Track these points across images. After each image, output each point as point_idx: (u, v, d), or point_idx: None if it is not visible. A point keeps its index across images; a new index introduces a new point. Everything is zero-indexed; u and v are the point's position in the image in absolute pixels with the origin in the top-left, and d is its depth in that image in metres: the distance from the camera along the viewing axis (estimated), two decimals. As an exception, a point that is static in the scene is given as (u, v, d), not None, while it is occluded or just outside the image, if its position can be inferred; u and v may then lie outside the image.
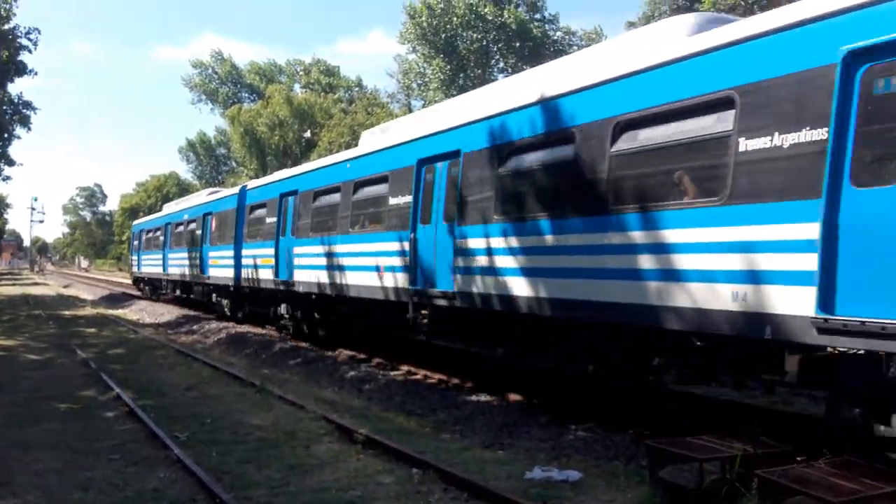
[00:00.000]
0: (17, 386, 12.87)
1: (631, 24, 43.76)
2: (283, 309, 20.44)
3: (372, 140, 16.05)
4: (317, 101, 64.73)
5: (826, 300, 6.15)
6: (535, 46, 49.14)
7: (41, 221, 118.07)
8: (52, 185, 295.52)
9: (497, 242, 10.58)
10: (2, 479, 7.30)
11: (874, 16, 6.17)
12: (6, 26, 28.45)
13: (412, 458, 7.79)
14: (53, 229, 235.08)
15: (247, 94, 79.38)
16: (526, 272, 9.99)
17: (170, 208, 36.80)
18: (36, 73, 33.78)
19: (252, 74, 78.95)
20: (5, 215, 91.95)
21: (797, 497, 5.21)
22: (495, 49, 50.89)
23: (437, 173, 12.41)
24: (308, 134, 61.17)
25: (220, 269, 24.80)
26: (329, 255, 16.19)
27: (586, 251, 8.99)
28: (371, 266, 14.18)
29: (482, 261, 10.89)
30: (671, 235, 7.81)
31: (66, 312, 31.72)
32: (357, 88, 75.51)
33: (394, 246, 13.38)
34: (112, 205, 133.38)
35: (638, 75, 8.57)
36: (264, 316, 22.29)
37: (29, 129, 36.05)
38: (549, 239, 9.64)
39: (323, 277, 16.47)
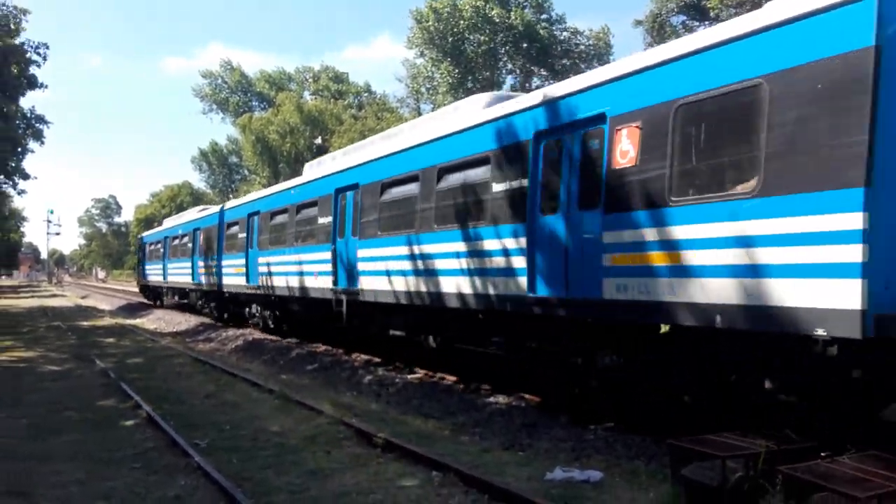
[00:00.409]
0: (37, 397, 12.96)
1: (638, 23, 43.58)
2: (254, 309, 24.57)
3: (310, 171, 20.00)
4: (327, 108, 64.92)
5: None
6: (542, 47, 49.05)
7: (58, 234, 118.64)
8: (68, 198, 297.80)
9: (381, 252, 14.59)
10: (24, 490, 7.34)
11: None
12: (16, 40, 28.71)
13: (432, 460, 7.78)
14: (70, 241, 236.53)
15: (257, 103, 79.71)
16: (402, 273, 13.65)
17: (168, 223, 40.09)
18: (46, 87, 34.08)
19: (261, 83, 79.26)
20: (22, 228, 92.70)
21: (823, 493, 5.16)
22: (503, 51, 50.83)
23: (347, 200, 16.52)
24: (319, 140, 61.31)
25: (206, 276, 28.48)
26: (282, 263, 20.14)
27: (435, 256, 12.66)
28: (310, 272, 18.11)
29: (374, 266, 14.86)
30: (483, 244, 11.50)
31: (85, 323, 31.94)
32: (366, 94, 75.66)
33: (324, 255, 17.21)
34: (127, 215, 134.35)
35: (450, 136, 12.55)
36: (243, 316, 25.82)
37: (42, 142, 36.34)
38: (414, 249, 13.28)
39: (279, 282, 20.38)
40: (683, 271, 7.86)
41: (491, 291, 11.13)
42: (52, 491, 7.34)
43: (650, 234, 8.19)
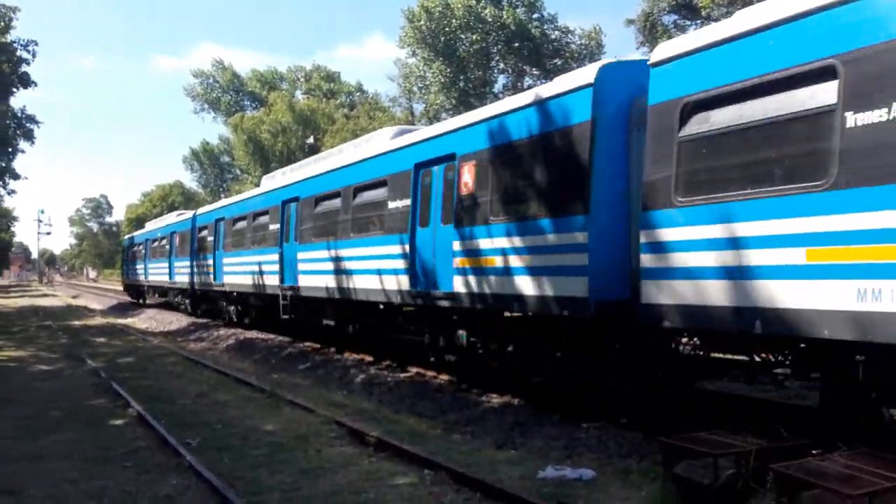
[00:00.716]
0: (29, 396, 12.90)
1: (630, 23, 43.63)
2: (220, 305, 27.48)
3: (265, 184, 23.10)
4: (319, 107, 64.79)
5: None
6: (534, 47, 49.06)
7: (48, 233, 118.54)
8: (59, 198, 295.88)
9: (314, 255, 17.35)
10: (15, 489, 7.31)
11: None
12: (6, 37, 28.54)
13: (424, 459, 7.78)
14: (61, 241, 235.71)
15: (249, 102, 79.45)
16: (329, 272, 16.40)
17: (149, 226, 42.75)
18: (36, 85, 33.89)
19: (253, 82, 78.98)
20: (12, 228, 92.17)
21: (814, 491, 5.18)
22: (495, 50, 50.81)
23: (291, 210, 19.28)
24: (311, 140, 61.17)
25: (181, 275, 31.27)
26: (241, 263, 22.71)
27: (350, 259, 15.55)
28: (262, 271, 20.90)
29: (309, 266, 17.74)
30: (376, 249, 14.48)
31: (76, 322, 31.82)
32: (358, 93, 75.53)
33: (273, 257, 20.11)
34: (118, 215, 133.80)
35: (362, 161, 15.72)
36: (214, 311, 28.45)
37: (33, 142, 36.15)
38: (336, 253, 16.11)
39: (240, 280, 23.03)
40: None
41: (387, 288, 14.01)
42: (43, 490, 7.31)
43: (480, 244, 11.19)
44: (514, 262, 10.37)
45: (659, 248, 8.05)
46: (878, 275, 5.86)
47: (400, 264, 13.45)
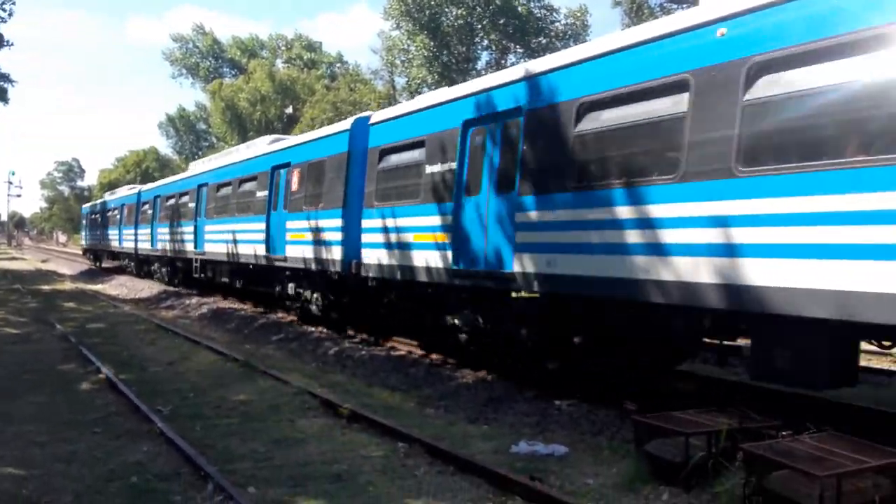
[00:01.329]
0: (-4, 359, 12.74)
1: (617, 4, 43.48)
2: (155, 266, 32.58)
3: (192, 168, 29.18)
4: (299, 77, 64.04)
5: None
6: (520, 24, 48.76)
7: (18, 196, 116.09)
8: (30, 160, 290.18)
9: (216, 227, 22.42)
10: (-16, 451, 7.22)
11: None
12: None
13: (397, 432, 7.79)
14: (31, 204, 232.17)
15: (228, 69, 78.32)
16: (222, 241, 21.58)
17: (106, 197, 46.76)
18: (12, 45, 33.15)
19: (234, 49, 77.80)
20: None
21: (782, 471, 5.25)
22: (480, 26, 50.43)
23: (202, 193, 24.44)
24: (290, 110, 60.55)
25: (129, 241, 35.70)
26: (170, 233, 28.15)
27: (235, 232, 20.76)
28: (183, 240, 26.14)
29: (212, 236, 22.77)
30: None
31: (45, 287, 31.40)
32: (339, 64, 74.70)
33: (190, 229, 25.19)
34: (90, 180, 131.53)
35: (245, 161, 21.29)
36: (152, 273, 33.25)
37: (6, 102, 35.34)
38: (224, 227, 21.41)
39: (171, 246, 27.99)
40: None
41: (249, 252, 19.40)
42: (13, 452, 7.26)
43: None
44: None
45: (367, 231, 13.65)
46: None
47: (259, 237, 18.85)
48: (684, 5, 37.12)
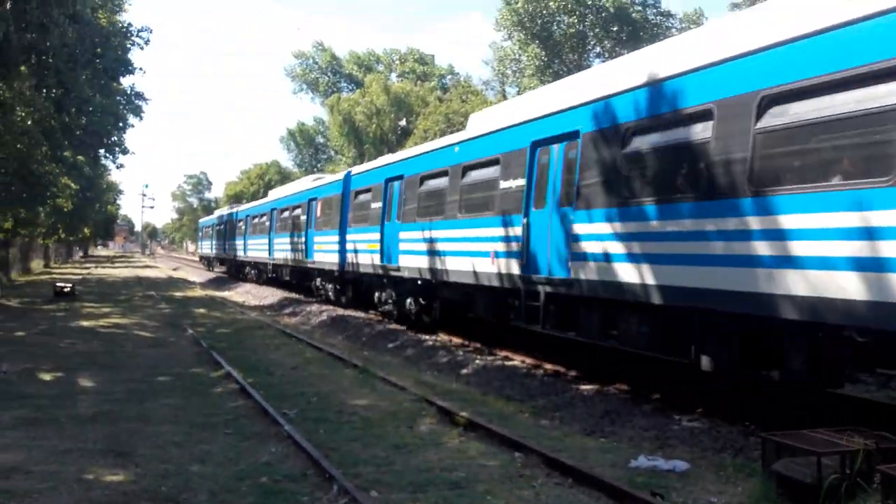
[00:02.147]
0: (136, 362, 13.59)
1: (735, 6, 42.08)
2: (247, 269, 41.87)
3: (275, 193, 37.74)
4: (413, 90, 65.21)
5: None
6: (633, 30, 48.01)
7: (151, 207, 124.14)
8: (162, 173, 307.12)
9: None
10: (126, 450, 7.72)
11: None
12: (118, 17, 29.76)
13: (514, 441, 7.82)
14: (163, 215, 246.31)
15: (346, 84, 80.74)
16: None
17: (215, 214, 60.22)
18: (144, 72, 35.35)
19: (351, 64, 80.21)
20: (118, 201, 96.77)
21: (925, 496, 4.97)
22: (591, 34, 49.97)
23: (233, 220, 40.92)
24: (403, 122, 61.69)
25: (228, 250, 46.92)
26: (274, 242, 33.46)
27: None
28: (280, 248, 32.57)
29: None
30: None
31: (177, 294, 33.23)
32: (450, 76, 75.62)
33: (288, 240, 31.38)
34: (217, 192, 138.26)
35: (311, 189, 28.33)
36: (244, 275, 42.73)
37: (141, 118, 37.68)
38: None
39: (262, 254, 35.82)
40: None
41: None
42: (151, 451, 7.70)
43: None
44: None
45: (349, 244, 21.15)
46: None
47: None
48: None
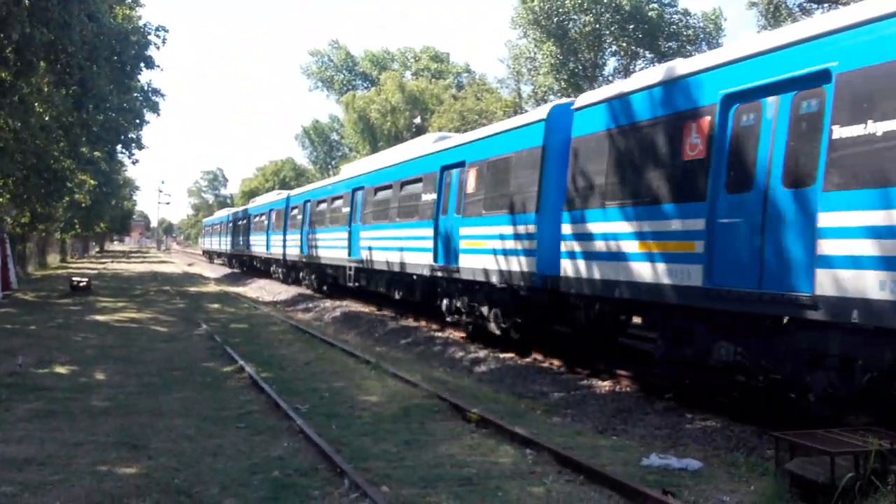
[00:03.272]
0: (150, 356, 13.69)
1: (752, 5, 41.77)
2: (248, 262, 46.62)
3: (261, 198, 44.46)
4: (427, 88, 65.20)
5: None
6: (650, 29, 47.75)
7: (167, 203, 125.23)
8: (179, 170, 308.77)
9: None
10: (139, 443, 7.77)
11: None
12: (135, 12, 29.88)
13: (525, 438, 7.80)
14: (179, 211, 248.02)
15: (361, 82, 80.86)
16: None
17: (216, 215, 69.15)
18: (162, 69, 35.40)
19: (365, 62, 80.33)
20: (134, 197, 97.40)
21: (940, 497, 4.91)
22: (608, 32, 49.75)
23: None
24: (418, 120, 61.67)
25: (230, 245, 51.83)
26: (264, 238, 37.71)
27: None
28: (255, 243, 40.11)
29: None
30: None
31: (192, 289, 33.42)
32: (465, 74, 75.55)
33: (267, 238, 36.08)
34: (233, 188, 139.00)
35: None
36: (248, 266, 46.46)
37: (158, 114, 37.82)
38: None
39: (258, 249, 40.15)
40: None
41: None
42: (164, 444, 7.74)
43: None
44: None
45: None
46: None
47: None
48: (825, 5, 35.23)
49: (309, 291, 30.03)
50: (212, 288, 35.04)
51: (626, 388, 11.37)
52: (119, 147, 35.18)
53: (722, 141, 8.74)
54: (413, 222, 17.93)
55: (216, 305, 24.91)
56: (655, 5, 48.33)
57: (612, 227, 10.56)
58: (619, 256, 10.33)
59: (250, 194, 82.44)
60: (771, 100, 8.22)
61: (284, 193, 36.75)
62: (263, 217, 39.35)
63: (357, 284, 23.09)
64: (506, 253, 13.50)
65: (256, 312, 22.91)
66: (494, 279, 13.96)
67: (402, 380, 11.26)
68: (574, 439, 8.32)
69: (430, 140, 18.84)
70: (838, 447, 5.85)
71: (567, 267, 11.59)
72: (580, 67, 50.13)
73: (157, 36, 28.30)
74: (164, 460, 7.15)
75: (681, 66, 9.88)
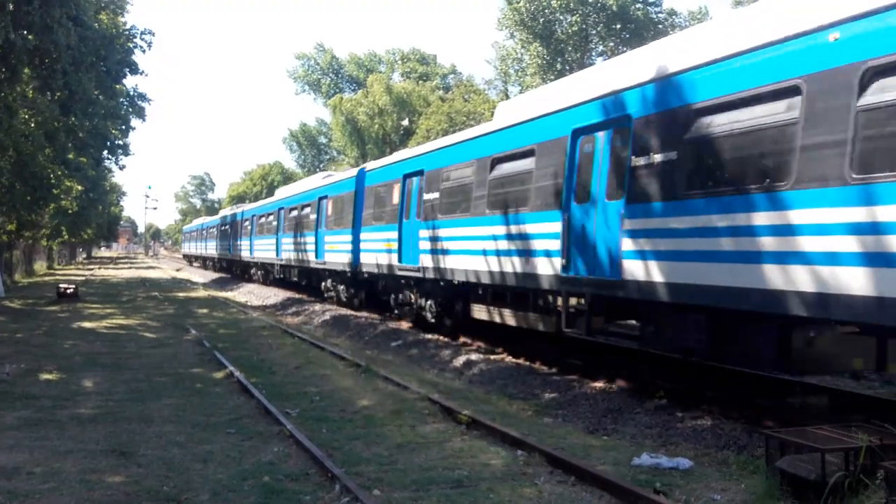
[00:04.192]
0: (139, 362, 13.59)
1: (738, 3, 42.02)
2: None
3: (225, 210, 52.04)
4: (415, 90, 65.18)
5: None
6: (636, 29, 47.96)
7: (155, 208, 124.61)
8: (165, 174, 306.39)
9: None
10: (128, 450, 7.71)
11: None
12: (122, 19, 29.71)
13: (517, 439, 7.80)
14: (166, 216, 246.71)
15: (347, 84, 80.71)
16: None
17: (195, 222, 74.91)
18: (147, 74, 35.37)
19: (352, 65, 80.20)
20: (121, 202, 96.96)
21: (929, 492, 4.94)
22: (594, 32, 49.93)
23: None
24: (406, 122, 61.66)
25: (215, 249, 54.79)
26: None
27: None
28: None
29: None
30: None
31: (180, 294, 33.26)
32: (452, 75, 75.59)
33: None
34: (220, 192, 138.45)
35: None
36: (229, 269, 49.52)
37: (144, 119, 37.65)
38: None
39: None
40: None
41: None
42: (153, 451, 7.68)
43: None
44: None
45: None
46: None
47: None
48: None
49: (298, 295, 29.98)
50: (200, 293, 34.90)
51: (616, 388, 11.38)
52: (105, 153, 35.03)
53: (572, 163, 11.29)
54: (306, 232, 27.36)
55: (205, 311, 24.80)
56: (641, 5, 48.50)
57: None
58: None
59: (238, 198, 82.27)
60: (601, 134, 10.70)
61: (239, 209, 47.74)
62: (226, 227, 50.43)
63: (282, 276, 33.53)
64: (339, 252, 22.71)
65: (245, 317, 22.83)
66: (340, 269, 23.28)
67: (392, 383, 11.24)
68: (565, 440, 8.34)
69: (320, 177, 28.84)
70: (828, 444, 5.88)
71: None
72: (567, 68, 50.25)
73: (143, 40, 28.24)
74: (153, 467, 7.09)
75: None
